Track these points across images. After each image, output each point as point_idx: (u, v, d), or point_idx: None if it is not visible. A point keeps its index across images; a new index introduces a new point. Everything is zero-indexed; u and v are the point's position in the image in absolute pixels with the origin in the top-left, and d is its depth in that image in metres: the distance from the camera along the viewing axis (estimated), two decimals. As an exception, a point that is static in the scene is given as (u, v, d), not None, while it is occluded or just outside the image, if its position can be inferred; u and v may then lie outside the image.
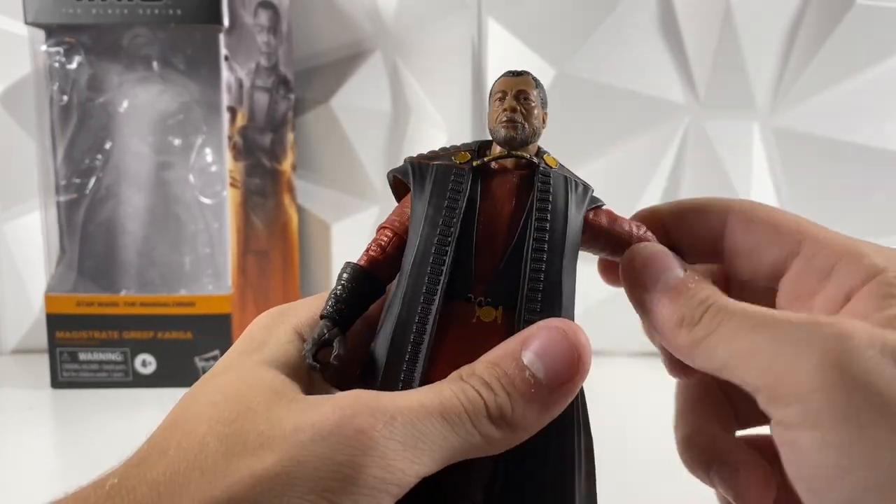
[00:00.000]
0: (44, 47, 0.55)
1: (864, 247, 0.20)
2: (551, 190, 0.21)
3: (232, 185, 0.56)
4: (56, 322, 0.54)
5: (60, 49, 0.55)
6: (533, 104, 0.22)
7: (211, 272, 0.59)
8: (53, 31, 0.55)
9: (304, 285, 0.66)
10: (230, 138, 0.55)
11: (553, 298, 0.21)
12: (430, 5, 0.62)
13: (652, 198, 0.64)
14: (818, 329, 0.17)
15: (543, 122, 0.22)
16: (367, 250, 0.22)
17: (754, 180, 0.63)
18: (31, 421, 0.51)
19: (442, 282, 0.21)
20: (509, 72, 0.22)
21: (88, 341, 0.55)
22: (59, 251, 0.57)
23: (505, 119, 0.21)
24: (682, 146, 0.63)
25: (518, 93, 0.22)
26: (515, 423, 0.19)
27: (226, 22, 0.53)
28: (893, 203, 0.63)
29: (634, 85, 0.62)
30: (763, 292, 0.23)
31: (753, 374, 0.18)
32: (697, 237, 0.24)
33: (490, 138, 0.23)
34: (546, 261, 0.21)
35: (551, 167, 0.22)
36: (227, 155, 0.55)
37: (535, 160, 0.22)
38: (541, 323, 0.20)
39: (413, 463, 0.17)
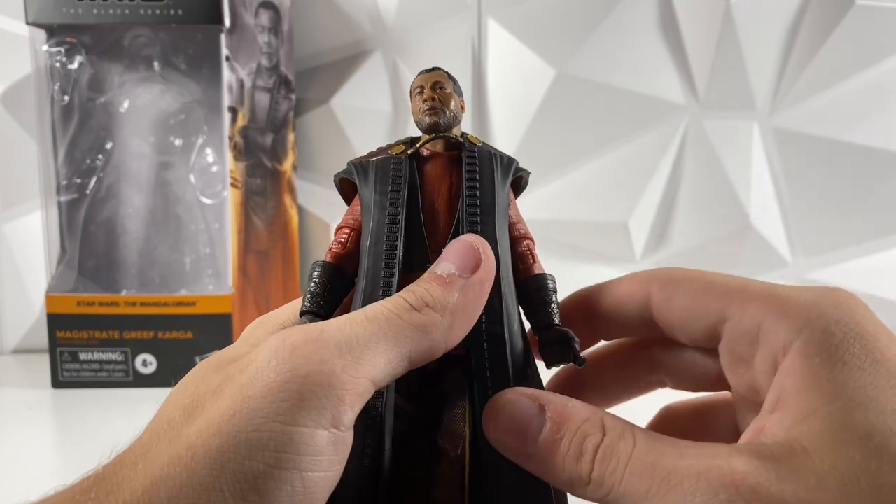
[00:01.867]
0: (45, 47, 0.55)
1: (785, 299, 0.19)
2: (477, 163, 0.24)
3: (233, 185, 0.56)
4: (57, 322, 0.55)
5: (61, 49, 0.55)
6: (448, 92, 0.24)
7: (211, 272, 0.59)
8: (54, 32, 0.55)
9: (305, 285, 0.66)
10: (231, 138, 0.56)
11: (490, 234, 0.23)
12: (431, 5, 0.63)
13: (651, 198, 0.64)
14: (718, 493, 0.16)
15: (462, 108, 0.25)
16: (329, 249, 0.24)
17: (754, 180, 0.63)
18: (32, 421, 0.51)
19: (398, 255, 0.22)
20: (423, 70, 0.25)
21: (89, 341, 0.55)
22: (60, 251, 0.57)
23: (427, 108, 0.24)
24: (681, 146, 0.63)
25: (434, 84, 0.24)
26: (438, 303, 0.20)
27: (227, 22, 0.53)
28: (893, 203, 0.63)
29: (634, 85, 0.62)
30: (708, 351, 0.23)
31: None
32: (627, 317, 0.23)
33: (419, 133, 0.25)
34: (480, 222, 0.23)
35: (476, 145, 0.24)
36: (228, 155, 0.55)
37: (461, 139, 0.24)
38: (450, 242, 0.22)
39: (355, 364, 0.18)
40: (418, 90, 0.24)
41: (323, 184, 0.66)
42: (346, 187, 0.25)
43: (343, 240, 0.24)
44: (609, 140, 0.63)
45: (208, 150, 0.58)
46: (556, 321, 0.23)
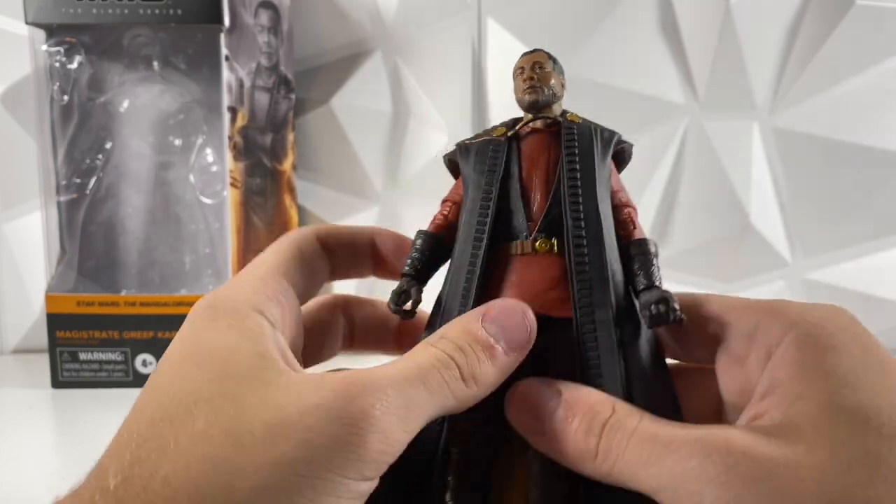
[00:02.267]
0: (44, 47, 0.55)
1: (780, 304, 0.21)
2: (576, 136, 0.25)
3: (232, 184, 0.56)
4: (56, 322, 0.55)
5: (61, 49, 0.55)
6: (548, 70, 0.26)
7: (211, 272, 0.59)
8: (54, 31, 0.55)
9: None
10: (231, 138, 0.56)
11: (593, 222, 0.24)
12: (431, 5, 0.63)
13: (651, 198, 0.64)
14: (708, 460, 0.18)
15: (562, 87, 0.26)
16: (433, 220, 0.26)
17: (754, 180, 0.63)
18: (32, 421, 0.51)
19: (487, 227, 0.24)
20: (524, 52, 0.26)
21: (89, 341, 0.55)
22: (60, 251, 0.57)
23: (527, 87, 0.25)
24: (681, 146, 0.63)
25: (534, 64, 0.26)
26: (481, 380, 0.21)
27: (226, 22, 0.53)
28: (893, 203, 0.63)
29: (634, 85, 0.62)
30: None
31: (668, 502, 0.18)
32: None
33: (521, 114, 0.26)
34: (581, 193, 0.24)
35: (576, 122, 0.26)
36: (228, 155, 0.55)
37: (560, 119, 0.26)
38: (496, 301, 0.23)
39: (405, 432, 0.20)
40: (519, 71, 0.26)
41: (323, 183, 0.66)
42: (452, 164, 0.27)
43: (446, 212, 0.26)
44: (609, 140, 0.63)
45: (208, 150, 0.58)
46: (657, 282, 0.24)
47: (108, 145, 0.58)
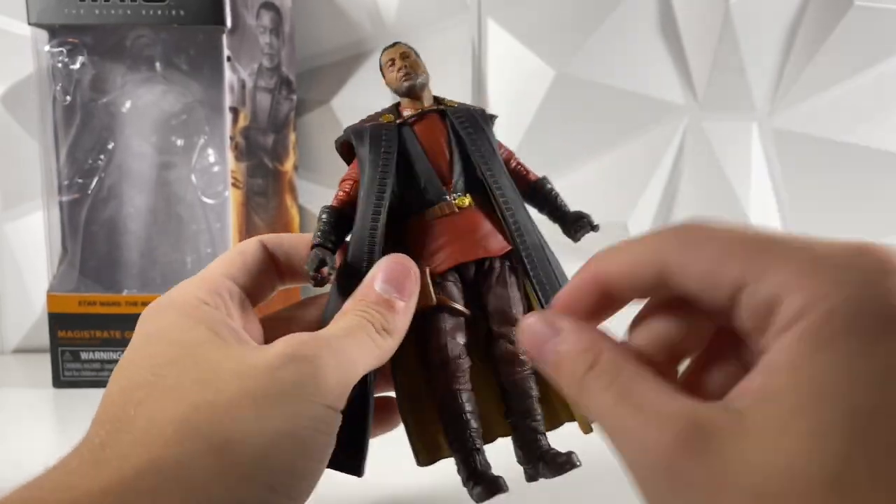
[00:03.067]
0: (47, 48, 0.55)
1: (808, 264, 0.17)
2: (464, 116, 0.30)
3: (234, 185, 0.56)
4: (58, 321, 0.55)
5: (63, 49, 0.56)
6: (414, 59, 0.30)
7: (213, 272, 0.59)
8: (56, 32, 0.55)
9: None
10: (232, 139, 0.56)
11: (502, 175, 0.29)
12: (431, 6, 0.63)
13: (651, 198, 0.64)
14: (693, 445, 0.16)
15: (425, 71, 0.30)
16: (335, 197, 0.29)
17: (753, 181, 0.63)
18: (33, 420, 0.51)
19: (385, 200, 0.28)
20: (387, 46, 0.30)
21: (90, 341, 0.55)
22: (62, 251, 0.57)
23: (402, 75, 0.29)
24: (681, 146, 0.64)
25: (401, 55, 0.30)
26: (393, 330, 0.25)
27: (228, 23, 0.53)
28: (893, 203, 0.63)
29: (634, 85, 0.63)
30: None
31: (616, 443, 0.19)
32: (642, 285, 0.21)
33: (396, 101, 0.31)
34: (486, 157, 0.29)
35: (454, 106, 0.30)
36: (230, 155, 0.56)
37: (441, 107, 0.30)
38: (379, 262, 0.27)
39: (347, 373, 0.23)
40: (389, 63, 0.30)
41: (324, 184, 0.66)
42: (345, 147, 0.31)
43: (347, 189, 0.29)
44: (609, 140, 0.63)
45: (210, 151, 0.58)
46: (568, 208, 0.30)
47: (111, 145, 0.58)
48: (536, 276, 0.28)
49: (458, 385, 0.27)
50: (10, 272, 0.65)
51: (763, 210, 0.64)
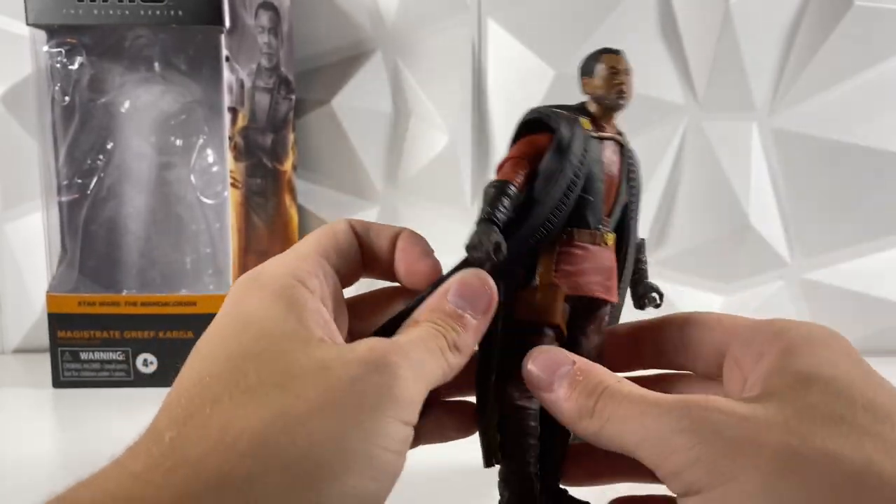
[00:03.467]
0: (45, 48, 0.55)
1: (779, 320, 0.24)
2: (633, 158, 0.29)
3: (233, 185, 0.56)
4: (57, 321, 0.55)
5: (62, 50, 0.56)
6: (632, 79, 0.28)
7: (212, 272, 0.59)
8: (55, 32, 0.55)
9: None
10: (231, 139, 0.56)
11: (634, 230, 0.29)
12: (431, 6, 0.63)
13: (651, 198, 0.64)
14: (685, 412, 0.20)
15: None
16: (514, 174, 0.27)
17: (753, 181, 0.63)
18: (33, 420, 0.51)
19: (569, 202, 0.27)
20: (612, 50, 0.28)
21: (90, 341, 0.55)
22: (61, 251, 0.57)
23: (619, 91, 0.27)
24: (680, 147, 0.63)
25: (626, 69, 0.27)
26: (461, 347, 0.24)
27: (227, 23, 0.53)
28: (893, 203, 0.63)
29: (634, 86, 0.62)
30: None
31: (647, 458, 0.21)
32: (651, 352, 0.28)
33: (582, 101, 0.29)
34: (637, 210, 0.29)
35: (629, 145, 0.29)
36: (229, 155, 0.55)
37: (623, 139, 0.28)
38: (454, 277, 0.25)
39: (421, 387, 0.23)
40: (612, 70, 0.27)
41: (323, 184, 0.66)
42: (528, 127, 0.29)
43: (526, 170, 0.27)
44: (609, 140, 0.63)
45: (209, 151, 0.58)
46: (646, 277, 0.30)
47: (110, 146, 0.58)
48: None
49: (533, 405, 0.26)
50: (9, 272, 0.65)
51: (763, 210, 0.63)
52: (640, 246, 0.30)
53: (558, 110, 0.28)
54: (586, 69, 0.28)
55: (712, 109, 0.63)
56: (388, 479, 0.21)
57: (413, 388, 0.22)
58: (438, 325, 0.24)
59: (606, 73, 0.27)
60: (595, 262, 0.27)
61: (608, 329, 0.29)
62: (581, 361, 0.24)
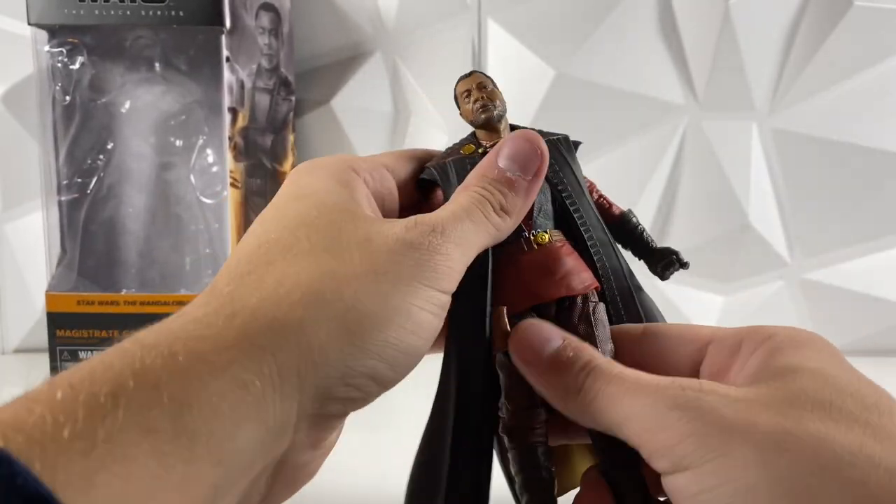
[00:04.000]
0: (46, 48, 0.55)
1: (764, 326, 0.24)
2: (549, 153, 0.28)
3: (233, 185, 0.56)
4: (57, 321, 0.55)
5: (63, 50, 0.56)
6: (491, 89, 0.29)
7: (211, 272, 0.59)
8: (56, 32, 0.55)
9: None
10: (231, 139, 0.56)
11: (588, 211, 0.28)
12: (431, 6, 0.63)
13: (651, 198, 0.64)
14: (680, 392, 0.21)
15: (502, 101, 0.29)
16: None
17: (753, 181, 0.63)
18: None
19: None
20: (463, 75, 0.29)
21: (89, 340, 0.55)
22: (60, 251, 0.57)
23: (479, 107, 0.28)
24: (680, 146, 0.63)
25: (478, 85, 0.28)
26: (510, 209, 0.25)
27: (227, 24, 0.53)
28: (893, 203, 0.63)
29: (634, 85, 0.62)
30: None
31: (632, 434, 0.21)
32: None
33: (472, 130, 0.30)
34: (572, 193, 0.28)
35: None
36: (228, 155, 0.56)
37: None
38: (506, 137, 0.27)
39: (462, 256, 0.24)
40: (465, 94, 0.29)
41: (323, 184, 0.66)
42: (425, 185, 0.30)
43: None
44: (608, 140, 0.63)
45: (208, 151, 0.58)
46: (654, 245, 0.29)
47: (110, 146, 0.58)
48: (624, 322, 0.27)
49: (536, 438, 0.26)
50: (9, 272, 0.65)
51: (763, 210, 0.63)
52: (624, 217, 0.29)
53: (445, 154, 0.29)
54: (456, 103, 0.30)
55: (712, 109, 0.63)
56: (426, 334, 0.23)
57: (450, 262, 0.23)
58: (485, 189, 0.25)
59: (463, 100, 0.29)
60: (533, 268, 0.27)
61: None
62: (571, 338, 0.25)
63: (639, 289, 0.28)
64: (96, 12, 0.51)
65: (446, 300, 0.24)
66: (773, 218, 0.64)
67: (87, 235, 0.58)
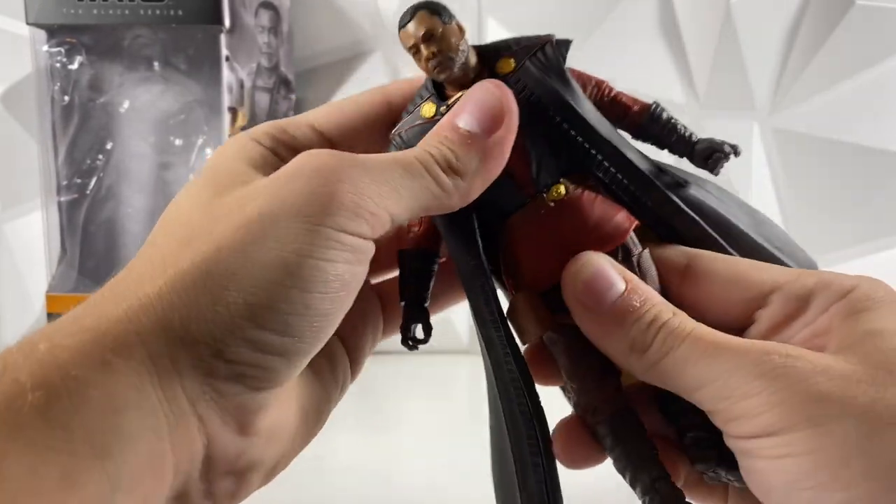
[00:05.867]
0: (45, 47, 0.55)
1: (834, 275, 0.22)
2: (525, 84, 0.22)
3: (232, 185, 0.56)
4: (57, 322, 0.55)
5: (62, 49, 0.55)
6: (441, 32, 0.22)
7: (212, 272, 0.59)
8: (55, 32, 0.55)
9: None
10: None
11: (599, 139, 0.23)
12: (431, 6, 0.63)
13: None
14: (766, 357, 0.19)
15: (461, 32, 0.22)
16: (407, 234, 0.24)
17: (754, 180, 0.63)
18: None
19: (475, 229, 0.23)
20: (404, 21, 0.22)
21: (89, 341, 0.55)
22: (60, 251, 0.57)
23: (433, 65, 0.22)
24: (681, 146, 0.63)
25: (424, 36, 0.22)
26: (461, 168, 0.21)
27: (227, 22, 0.53)
28: (893, 203, 0.63)
29: (634, 85, 0.62)
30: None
31: (708, 399, 0.20)
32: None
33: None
34: (581, 136, 0.22)
35: (507, 71, 0.23)
36: (228, 155, 0.55)
37: (483, 70, 0.23)
38: (468, 90, 0.22)
39: (383, 197, 0.19)
40: (413, 51, 0.22)
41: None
42: None
43: (416, 229, 0.24)
44: (609, 140, 0.63)
45: (208, 151, 0.58)
46: (694, 137, 0.24)
47: (109, 145, 0.58)
48: (695, 230, 0.23)
49: (616, 405, 0.22)
50: (8, 273, 0.65)
51: (763, 210, 0.63)
52: (652, 115, 0.24)
53: (407, 116, 0.24)
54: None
55: (713, 108, 0.63)
56: (320, 287, 0.19)
57: (355, 194, 0.19)
58: (434, 146, 0.21)
59: (413, 57, 0.23)
60: (553, 234, 0.22)
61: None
62: (634, 282, 0.21)
63: (680, 185, 0.23)
64: (95, 12, 0.51)
65: (355, 244, 0.19)
66: (773, 218, 0.63)
67: (87, 236, 0.58)
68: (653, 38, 0.62)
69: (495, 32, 0.62)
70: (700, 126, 0.63)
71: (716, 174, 0.24)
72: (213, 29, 0.53)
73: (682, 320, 0.21)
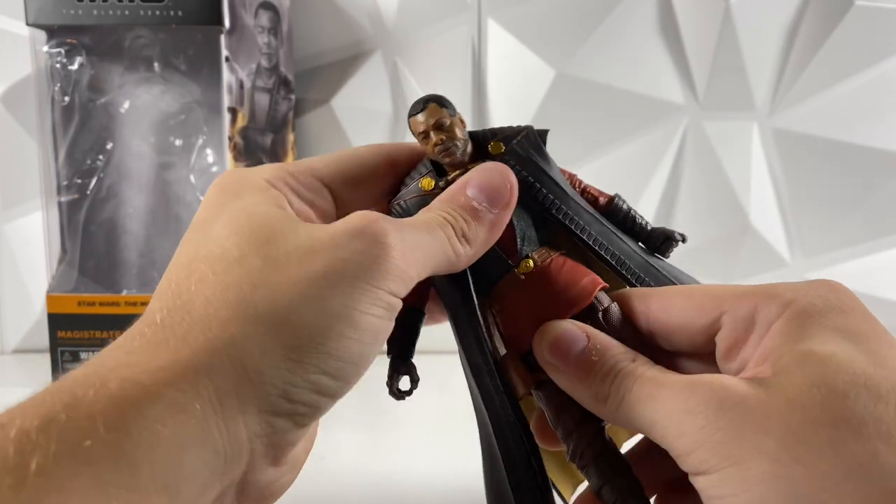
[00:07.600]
0: (45, 48, 0.55)
1: (778, 287, 0.22)
2: (513, 156, 0.26)
3: (233, 185, 0.56)
4: (57, 322, 0.55)
5: (62, 50, 0.56)
6: (449, 124, 0.26)
7: (212, 272, 0.59)
8: (55, 32, 0.55)
9: None
10: (231, 139, 0.56)
11: (581, 212, 0.26)
12: (431, 6, 0.63)
13: (651, 198, 0.64)
14: (691, 392, 0.20)
15: (462, 125, 0.26)
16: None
17: (753, 180, 0.63)
18: (33, 420, 0.51)
19: (470, 289, 0.26)
20: (415, 107, 0.26)
21: (90, 341, 0.55)
22: (61, 251, 0.57)
23: (439, 151, 0.25)
24: (681, 146, 0.63)
25: (435, 125, 0.25)
26: (471, 237, 0.24)
27: (227, 23, 0.53)
28: (893, 203, 0.63)
29: (634, 85, 0.62)
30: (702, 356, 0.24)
31: (659, 438, 0.21)
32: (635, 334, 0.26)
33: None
34: (566, 210, 0.26)
35: (497, 153, 0.26)
36: (228, 155, 0.55)
37: (479, 156, 0.26)
38: (477, 167, 0.25)
39: (415, 262, 0.22)
40: (422, 135, 0.26)
41: (323, 184, 0.66)
42: None
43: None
44: (608, 140, 0.63)
45: (208, 151, 0.58)
46: (648, 226, 0.28)
47: (109, 146, 0.58)
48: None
49: (598, 448, 0.24)
50: (9, 273, 0.65)
51: (763, 210, 0.63)
52: (613, 206, 0.28)
53: (406, 188, 0.27)
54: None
55: (712, 109, 0.63)
56: (370, 339, 0.21)
57: (400, 261, 0.21)
58: (450, 213, 0.24)
59: (421, 140, 0.26)
60: (530, 300, 0.25)
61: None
62: (595, 338, 0.23)
63: (659, 259, 0.27)
64: (95, 12, 0.51)
65: (394, 303, 0.22)
66: (773, 218, 0.64)
67: (88, 236, 0.58)
68: (652, 38, 0.62)
69: (495, 33, 0.63)
70: (700, 126, 0.63)
71: (667, 257, 0.28)
72: (213, 29, 0.53)
73: (638, 365, 0.22)
